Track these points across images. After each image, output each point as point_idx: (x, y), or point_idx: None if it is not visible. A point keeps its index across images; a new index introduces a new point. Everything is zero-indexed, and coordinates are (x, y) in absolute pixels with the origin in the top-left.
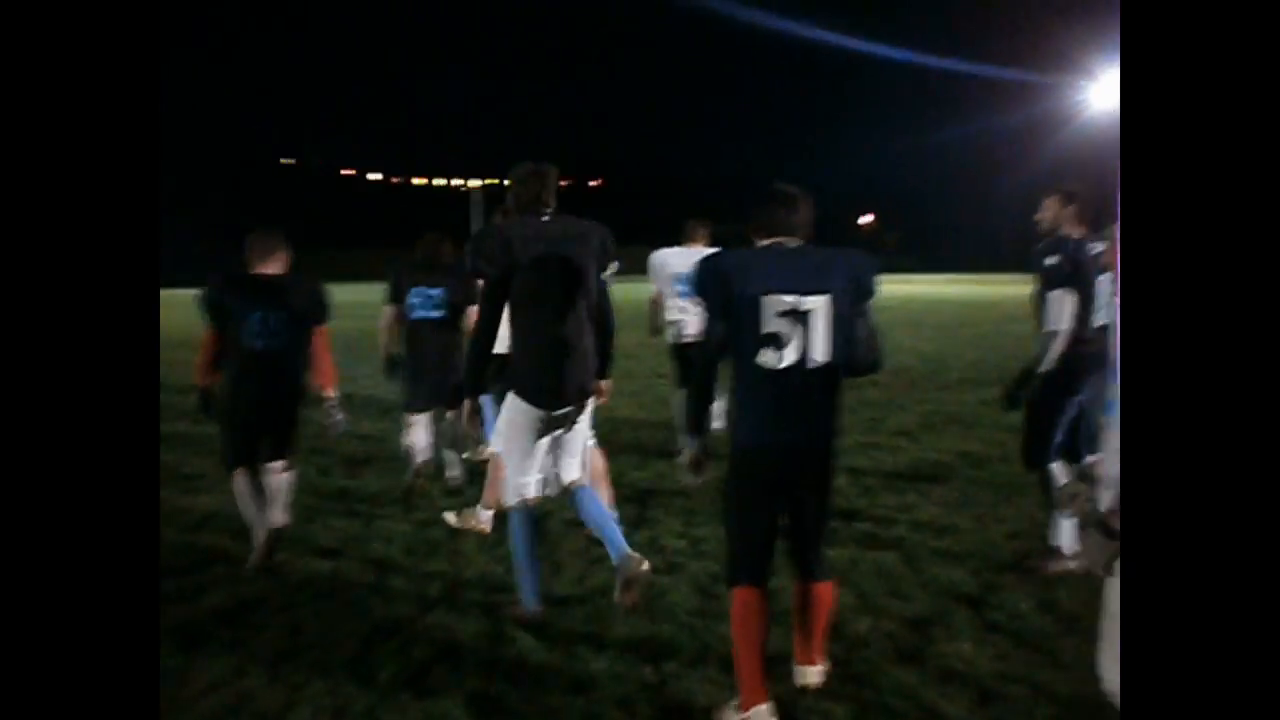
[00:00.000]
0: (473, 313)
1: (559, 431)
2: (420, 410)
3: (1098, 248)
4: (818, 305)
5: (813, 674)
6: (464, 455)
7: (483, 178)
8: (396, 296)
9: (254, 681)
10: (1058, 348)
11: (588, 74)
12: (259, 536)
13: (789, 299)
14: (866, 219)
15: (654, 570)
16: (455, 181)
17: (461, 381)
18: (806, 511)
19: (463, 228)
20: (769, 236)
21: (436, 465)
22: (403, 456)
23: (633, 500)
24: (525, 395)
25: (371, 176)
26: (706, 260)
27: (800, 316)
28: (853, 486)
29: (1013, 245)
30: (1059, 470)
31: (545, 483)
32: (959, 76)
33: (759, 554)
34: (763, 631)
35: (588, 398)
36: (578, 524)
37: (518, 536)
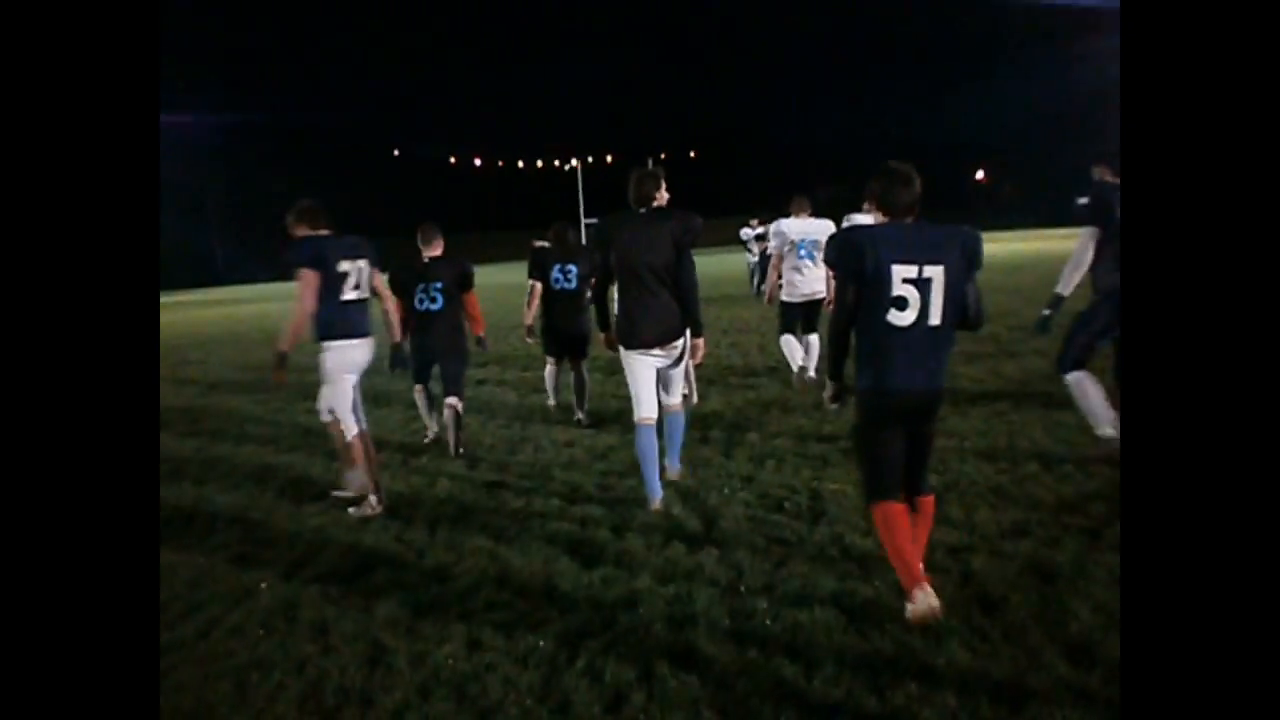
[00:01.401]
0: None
1: (660, 367)
2: (557, 357)
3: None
4: (936, 274)
5: (927, 595)
6: (585, 405)
7: (582, 157)
8: (537, 274)
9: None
10: (1073, 277)
11: (684, 45)
12: (432, 426)
13: (912, 269)
14: (980, 175)
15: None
16: (556, 162)
17: (585, 334)
18: (919, 440)
19: (571, 206)
20: (889, 213)
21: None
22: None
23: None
24: (621, 340)
25: (477, 162)
26: (844, 234)
27: (922, 283)
28: None
29: None
30: (1075, 379)
31: (658, 404)
32: (1072, 11)
33: (891, 474)
34: (906, 532)
35: (669, 343)
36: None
37: (642, 444)
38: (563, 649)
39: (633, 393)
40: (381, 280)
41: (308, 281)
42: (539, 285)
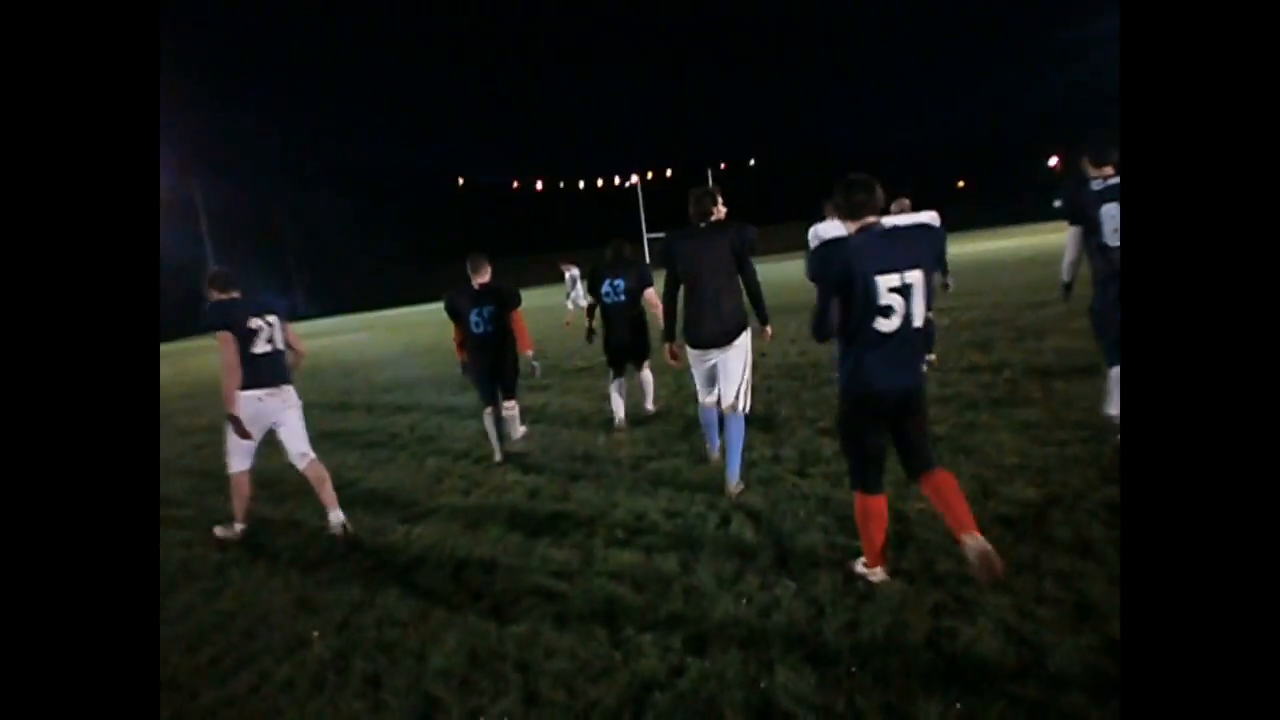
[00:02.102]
0: (649, 294)
1: (718, 364)
2: (617, 368)
3: (1097, 185)
4: (915, 278)
5: (977, 540)
6: (651, 404)
7: (641, 173)
8: (594, 289)
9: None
10: (1070, 270)
11: (739, 54)
12: (497, 451)
13: (895, 277)
14: (1053, 161)
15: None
16: (617, 179)
17: (640, 345)
18: (910, 430)
19: (633, 221)
20: (853, 220)
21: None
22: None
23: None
24: (687, 339)
25: (538, 185)
26: (824, 249)
27: (905, 289)
28: None
29: None
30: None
31: (718, 397)
32: None
33: (875, 468)
34: (880, 522)
35: (728, 343)
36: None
37: (704, 418)
38: (627, 705)
39: (696, 386)
40: (294, 333)
41: (225, 341)
42: (592, 300)
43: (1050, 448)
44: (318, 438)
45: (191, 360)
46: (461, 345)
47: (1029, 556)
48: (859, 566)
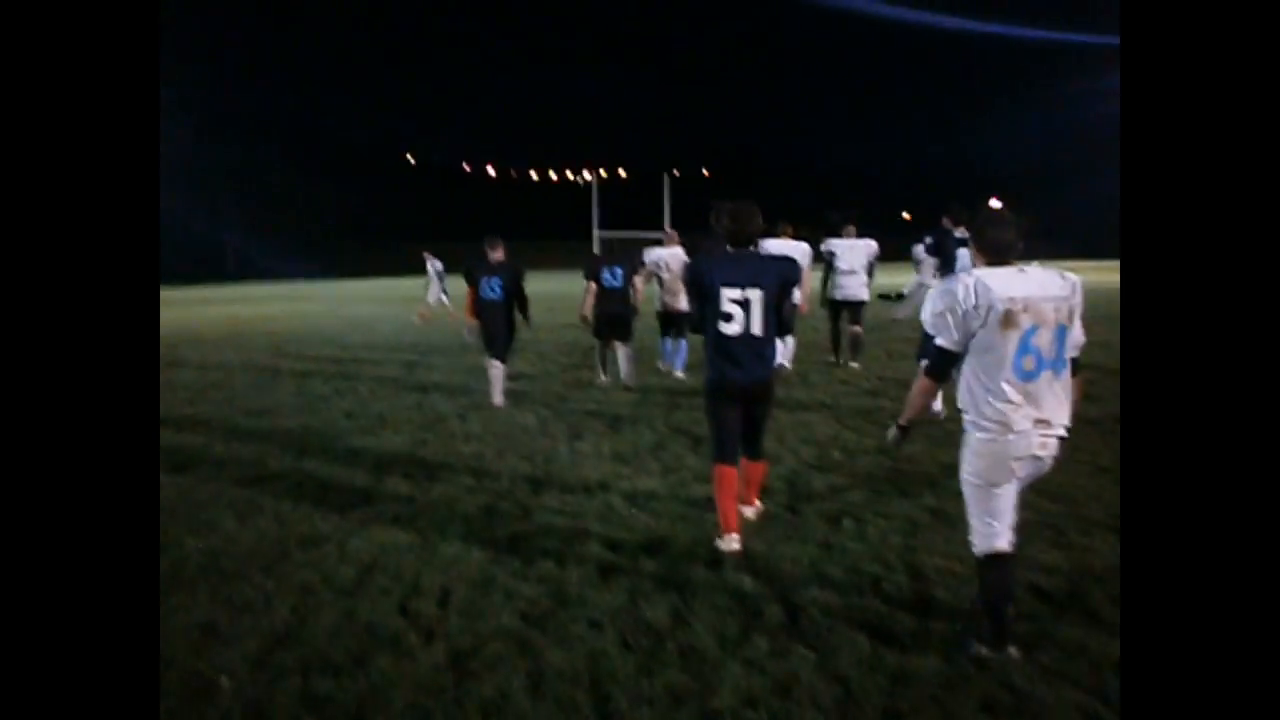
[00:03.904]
0: (637, 282)
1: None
2: (605, 339)
3: (959, 233)
4: (755, 295)
5: (749, 511)
6: (630, 381)
7: (596, 170)
8: (594, 277)
9: None
10: (917, 292)
11: (702, 65)
12: (496, 396)
13: (737, 291)
14: (995, 204)
15: None
16: (570, 174)
17: (627, 320)
18: (753, 418)
19: (585, 220)
20: (735, 244)
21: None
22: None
23: None
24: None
25: (490, 171)
26: (690, 264)
27: (744, 303)
28: None
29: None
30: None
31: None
32: (1092, 49)
33: (730, 443)
34: (732, 490)
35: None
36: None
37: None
38: None
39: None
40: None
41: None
42: (594, 284)
43: (1062, 504)
44: (240, 416)
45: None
46: (472, 309)
47: (1081, 639)
48: (718, 541)
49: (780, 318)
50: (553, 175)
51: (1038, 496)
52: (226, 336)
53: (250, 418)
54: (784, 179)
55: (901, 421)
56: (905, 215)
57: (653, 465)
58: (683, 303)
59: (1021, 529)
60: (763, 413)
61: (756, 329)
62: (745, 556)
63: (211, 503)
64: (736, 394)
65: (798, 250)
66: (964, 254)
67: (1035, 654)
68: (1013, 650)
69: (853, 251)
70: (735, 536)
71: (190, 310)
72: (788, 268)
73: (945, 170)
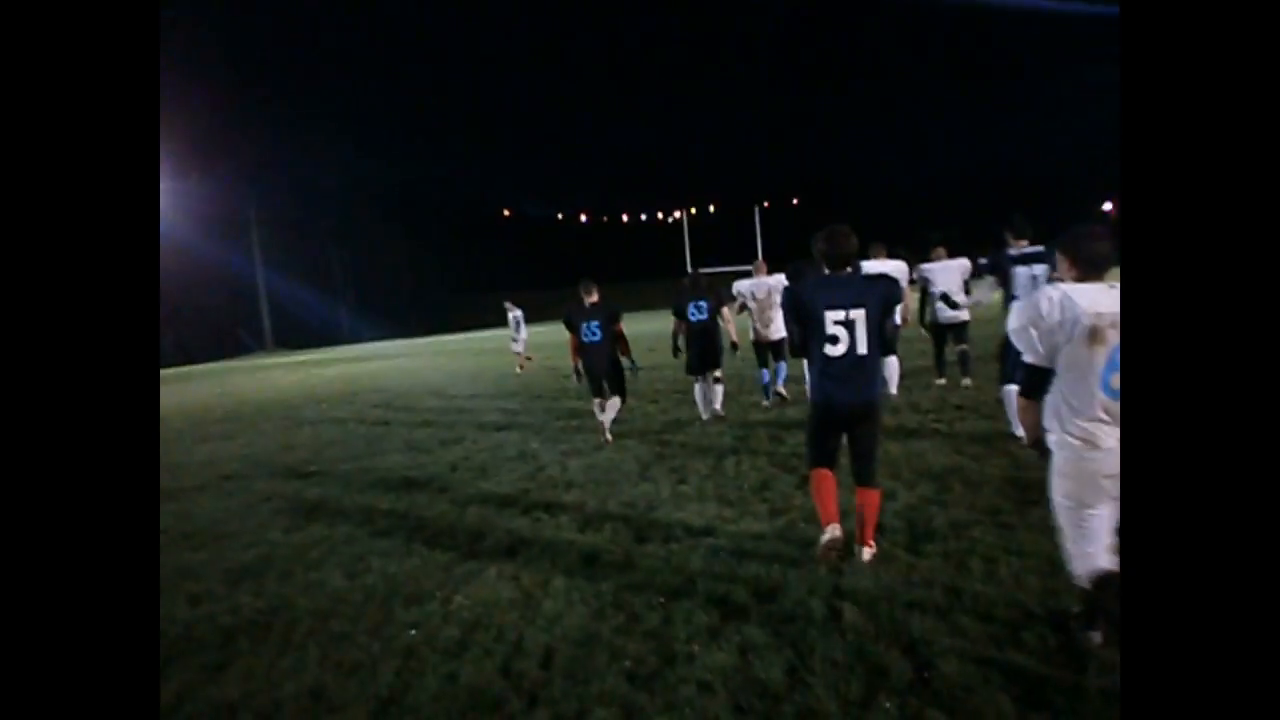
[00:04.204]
0: (727, 314)
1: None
2: (698, 374)
3: (1012, 252)
4: (859, 315)
5: (866, 553)
6: (720, 407)
7: (685, 208)
8: (680, 313)
9: None
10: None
11: (785, 91)
12: (606, 434)
13: (841, 313)
14: (1108, 206)
15: None
16: (660, 214)
17: (716, 352)
18: (860, 438)
19: (679, 255)
20: (832, 267)
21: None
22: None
23: None
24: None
25: (582, 218)
26: (788, 289)
27: (848, 323)
28: None
29: None
30: (1008, 390)
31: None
32: None
33: (826, 454)
34: (829, 490)
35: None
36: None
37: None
38: None
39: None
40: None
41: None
42: (680, 323)
43: None
44: (352, 472)
45: (238, 379)
46: (576, 351)
47: None
48: (821, 538)
49: (884, 338)
50: (643, 216)
51: None
52: (341, 395)
53: (362, 473)
54: (874, 199)
55: (1026, 444)
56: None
57: (759, 507)
58: (775, 332)
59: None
60: (870, 434)
61: (861, 349)
62: (866, 609)
63: (322, 561)
64: (843, 415)
65: (895, 269)
66: (1021, 272)
67: None
68: (1096, 635)
69: (945, 273)
70: (836, 526)
71: (309, 372)
72: (889, 287)
73: (1048, 173)
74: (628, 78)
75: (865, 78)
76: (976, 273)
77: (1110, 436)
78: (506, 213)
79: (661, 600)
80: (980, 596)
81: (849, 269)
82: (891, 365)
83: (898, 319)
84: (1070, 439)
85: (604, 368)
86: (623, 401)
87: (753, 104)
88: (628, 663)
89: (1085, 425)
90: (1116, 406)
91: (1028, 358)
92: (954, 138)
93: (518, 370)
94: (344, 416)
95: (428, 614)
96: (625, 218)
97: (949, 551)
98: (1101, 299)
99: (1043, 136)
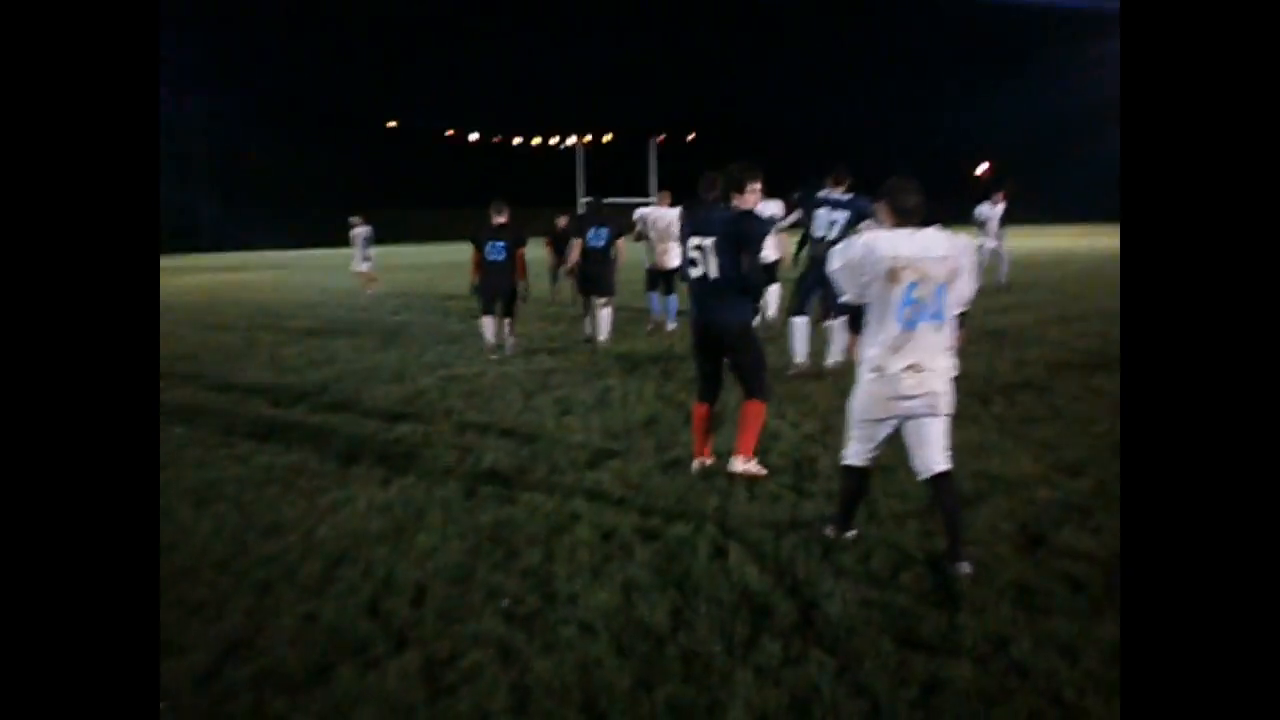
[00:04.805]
0: (621, 244)
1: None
2: (586, 295)
3: (822, 194)
4: (708, 243)
5: (738, 464)
6: (605, 336)
7: (581, 135)
8: (580, 234)
9: None
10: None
11: (684, 27)
12: (490, 344)
13: (696, 239)
14: (983, 168)
15: None
16: (554, 140)
17: (608, 277)
18: (735, 363)
19: (569, 185)
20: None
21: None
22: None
23: None
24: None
25: (471, 136)
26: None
27: (701, 249)
28: None
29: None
30: (796, 322)
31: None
32: (1089, 14)
33: (704, 383)
34: (699, 425)
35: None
36: None
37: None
38: None
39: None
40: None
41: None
42: (579, 241)
43: (1086, 480)
44: (205, 392)
45: None
46: (476, 267)
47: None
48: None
49: (739, 268)
50: (535, 140)
51: (1055, 472)
52: (199, 308)
53: (217, 394)
54: (772, 142)
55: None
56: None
57: (645, 443)
58: (669, 262)
59: (1046, 509)
60: (742, 356)
61: (713, 273)
62: (752, 548)
63: (168, 488)
64: (704, 333)
65: (771, 207)
66: (822, 214)
67: (1079, 659)
68: (850, 534)
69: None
70: (700, 460)
71: (161, 281)
72: (739, 221)
73: (938, 134)
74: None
75: (766, 21)
76: (790, 207)
77: (896, 364)
78: (392, 124)
79: (543, 536)
80: (861, 537)
81: (723, 204)
82: (771, 293)
83: (770, 254)
84: (868, 363)
85: (501, 288)
86: (512, 324)
87: (652, 34)
88: (505, 601)
89: (880, 353)
90: (906, 338)
91: (845, 296)
92: (851, 90)
93: (367, 292)
94: (200, 333)
95: (286, 547)
96: (518, 140)
97: (832, 492)
98: (902, 244)
99: (936, 99)
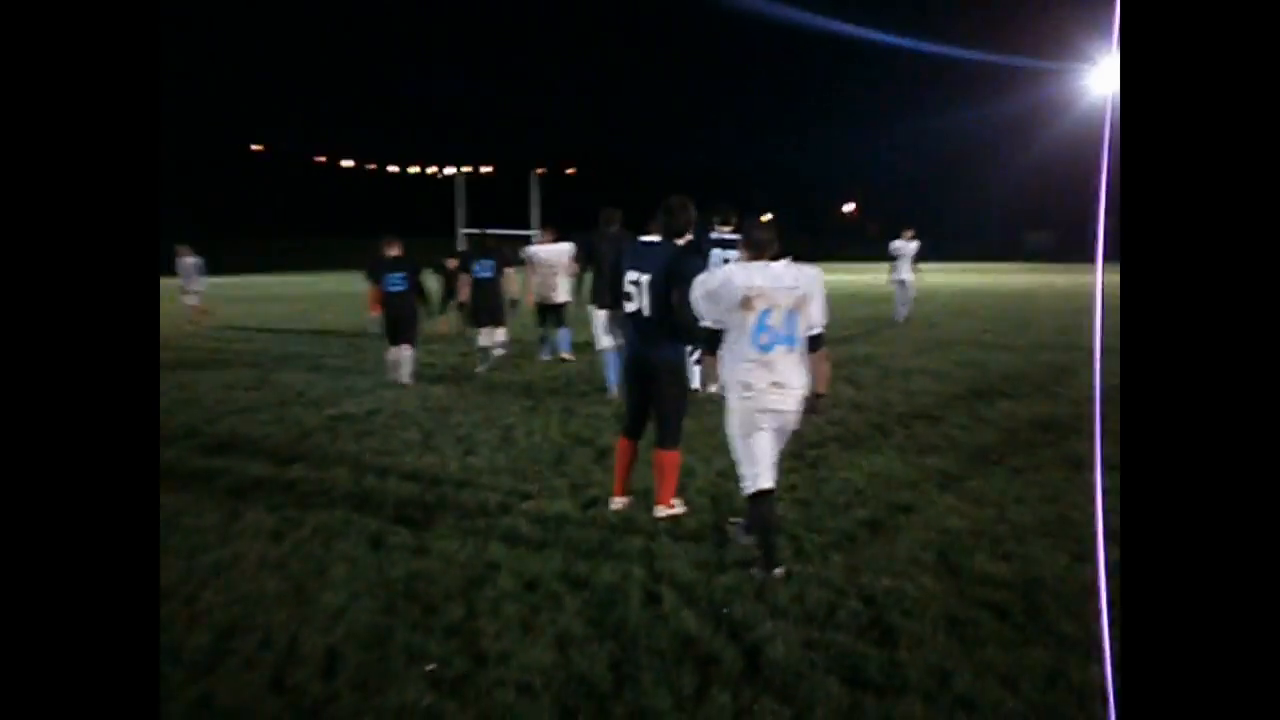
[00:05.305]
0: (509, 273)
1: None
2: (480, 325)
3: (714, 235)
4: (644, 279)
5: (660, 510)
6: (490, 361)
7: (460, 165)
8: (466, 268)
9: None
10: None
11: (566, 61)
12: (396, 374)
13: (634, 274)
14: (849, 207)
15: None
16: (431, 169)
17: (498, 308)
18: (656, 400)
19: (447, 215)
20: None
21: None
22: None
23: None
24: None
25: (345, 163)
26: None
27: (638, 284)
28: None
29: (1002, 233)
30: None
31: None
32: (954, 62)
33: (630, 418)
34: (622, 461)
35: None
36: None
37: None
38: None
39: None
40: None
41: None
42: (466, 276)
43: (989, 509)
44: None
45: None
46: (376, 302)
47: (1055, 665)
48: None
49: (670, 305)
50: (412, 169)
51: (961, 501)
52: None
53: None
54: (645, 177)
55: (702, 394)
56: (766, 217)
57: (557, 482)
58: (557, 296)
59: (959, 538)
60: (661, 396)
61: (647, 310)
62: (684, 592)
63: None
64: (633, 367)
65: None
66: (716, 253)
67: (1019, 687)
68: (778, 571)
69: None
70: (620, 499)
71: None
72: (675, 259)
73: (811, 174)
74: (395, 20)
75: (645, 60)
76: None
77: (761, 380)
78: (257, 148)
79: (462, 589)
80: (790, 574)
81: (673, 238)
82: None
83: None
84: (735, 384)
85: (406, 316)
86: (412, 351)
87: (534, 69)
88: (430, 666)
89: (744, 373)
90: (765, 359)
91: (705, 321)
92: (724, 134)
93: (189, 325)
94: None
95: (166, 618)
96: (394, 169)
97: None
98: (756, 275)
99: (806, 142)
